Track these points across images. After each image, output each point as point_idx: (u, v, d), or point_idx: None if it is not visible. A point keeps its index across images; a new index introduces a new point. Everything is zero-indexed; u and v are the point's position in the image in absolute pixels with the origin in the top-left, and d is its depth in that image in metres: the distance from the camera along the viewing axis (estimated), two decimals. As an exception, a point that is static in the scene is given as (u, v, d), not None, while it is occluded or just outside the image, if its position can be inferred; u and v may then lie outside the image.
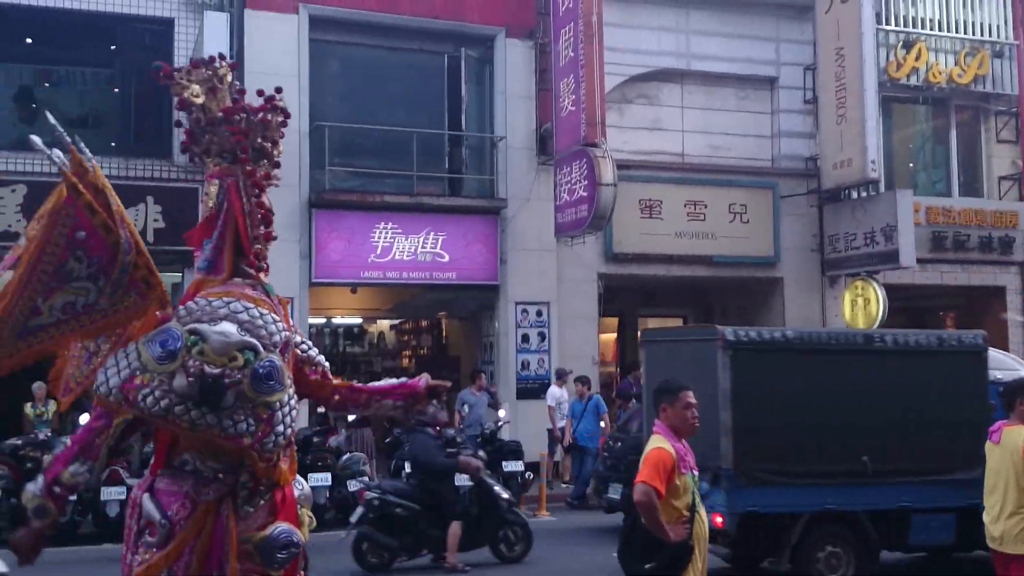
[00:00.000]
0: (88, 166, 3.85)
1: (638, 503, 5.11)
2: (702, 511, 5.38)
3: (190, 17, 15.68)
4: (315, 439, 13.29)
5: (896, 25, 19.15)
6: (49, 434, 12.88)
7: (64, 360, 4.37)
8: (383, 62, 17.12)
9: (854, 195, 18.09)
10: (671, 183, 18.07)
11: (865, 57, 17.06)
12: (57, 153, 3.85)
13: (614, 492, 12.25)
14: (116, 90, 16.23)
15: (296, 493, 4.48)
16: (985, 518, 6.64)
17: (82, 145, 3.92)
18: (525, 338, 17.01)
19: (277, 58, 15.19)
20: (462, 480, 10.75)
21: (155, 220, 14.77)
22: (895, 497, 9.31)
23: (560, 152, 16.38)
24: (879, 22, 18.40)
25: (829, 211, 18.62)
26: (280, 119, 4.60)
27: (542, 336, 17.08)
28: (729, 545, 9.36)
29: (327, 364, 4.84)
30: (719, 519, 8.99)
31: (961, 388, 9.51)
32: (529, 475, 14.29)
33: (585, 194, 15.48)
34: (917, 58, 19.04)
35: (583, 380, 15.49)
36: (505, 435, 14.96)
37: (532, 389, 16.81)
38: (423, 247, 16.42)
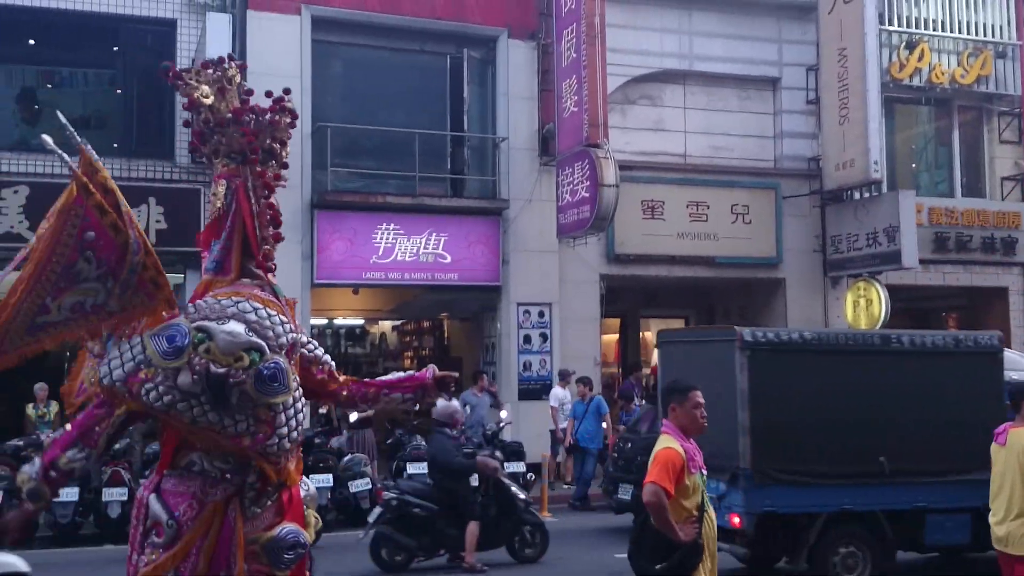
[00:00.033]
0: (98, 166, 3.86)
1: (648, 503, 5.11)
2: (711, 511, 5.40)
3: (192, 18, 15.69)
4: (316, 440, 13.29)
5: (899, 25, 19.14)
6: (51, 435, 12.87)
7: (77, 373, 4.38)
8: (385, 63, 17.11)
9: (856, 196, 18.07)
10: (673, 184, 18.06)
11: (868, 58, 17.04)
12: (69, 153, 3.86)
13: (624, 493, 12.28)
14: (118, 91, 16.23)
15: (302, 494, 4.48)
16: (991, 520, 6.65)
17: (89, 147, 3.92)
18: (527, 339, 17.00)
19: (279, 59, 15.19)
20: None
21: (157, 221, 14.77)
22: (911, 497, 9.36)
23: (562, 153, 16.38)
24: (882, 22, 18.38)
25: (831, 212, 18.60)
26: (288, 120, 4.61)
27: (544, 337, 17.07)
28: (747, 545, 9.39)
29: (333, 363, 4.84)
30: (736, 519, 9.07)
31: (977, 389, 9.51)
32: (531, 476, 14.29)
33: (587, 195, 15.47)
34: (920, 59, 19.03)
35: (585, 381, 15.48)
36: (507, 436, 14.96)
37: (534, 390, 16.81)
38: (425, 248, 16.42)
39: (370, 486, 13.06)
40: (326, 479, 12.54)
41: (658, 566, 5.16)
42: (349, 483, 12.77)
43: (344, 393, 4.89)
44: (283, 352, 4.12)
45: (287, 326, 4.23)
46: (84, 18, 15.43)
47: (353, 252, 16.09)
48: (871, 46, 17.15)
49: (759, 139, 19.11)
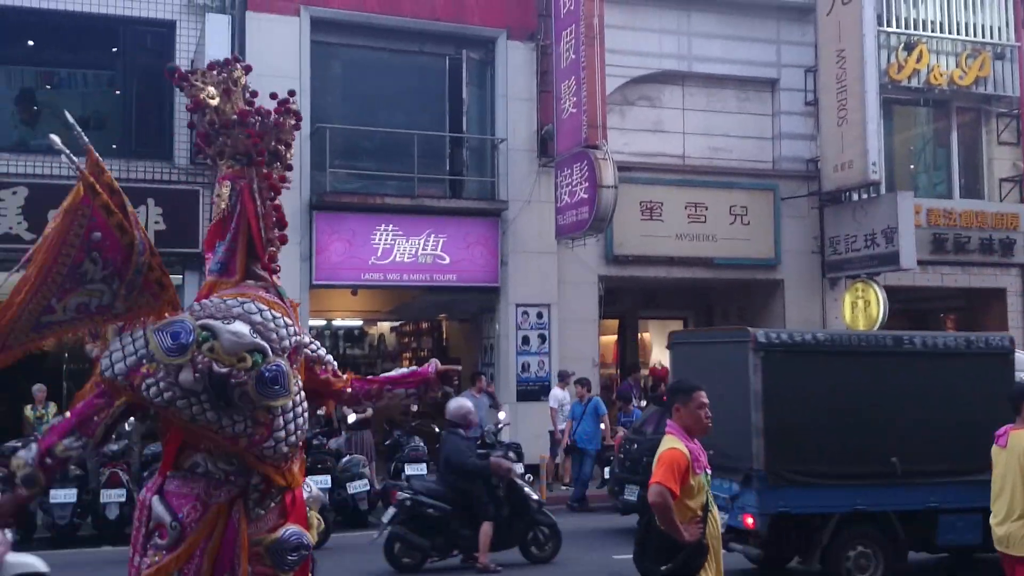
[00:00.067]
0: (103, 166, 3.87)
1: (653, 504, 5.12)
2: (715, 511, 5.40)
3: (192, 19, 15.69)
4: (315, 442, 13.30)
5: (897, 27, 19.15)
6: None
7: (92, 384, 4.38)
8: (384, 64, 17.12)
9: (855, 197, 18.09)
10: (672, 185, 18.07)
11: (866, 59, 17.06)
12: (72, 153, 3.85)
13: (630, 494, 12.35)
14: (117, 92, 16.23)
15: (305, 495, 4.48)
16: (992, 521, 6.68)
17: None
18: (525, 340, 17.01)
19: (278, 60, 15.19)
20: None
21: (156, 222, 14.77)
22: (923, 498, 9.42)
23: (561, 154, 16.39)
24: (880, 24, 18.40)
25: (830, 213, 18.62)
26: (293, 122, 4.60)
27: (542, 338, 17.08)
28: (760, 546, 9.46)
29: (335, 363, 4.85)
30: (750, 520, 9.15)
31: (988, 390, 9.50)
32: (529, 477, 14.28)
33: (586, 196, 15.48)
34: (918, 60, 19.05)
35: (583, 382, 15.48)
36: (505, 437, 14.96)
37: (532, 391, 16.83)
38: (424, 249, 16.42)
39: (368, 487, 13.07)
40: (324, 480, 12.54)
41: (663, 567, 5.16)
42: (347, 484, 12.78)
43: (348, 391, 4.88)
44: (285, 355, 4.11)
45: (291, 328, 4.23)
46: (83, 19, 15.44)
47: (352, 253, 16.09)
48: (869, 47, 17.16)
49: (758, 140, 19.13)
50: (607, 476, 14.93)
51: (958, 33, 19.58)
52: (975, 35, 19.72)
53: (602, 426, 15.30)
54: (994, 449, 6.72)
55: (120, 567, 4.31)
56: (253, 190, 4.44)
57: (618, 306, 19.89)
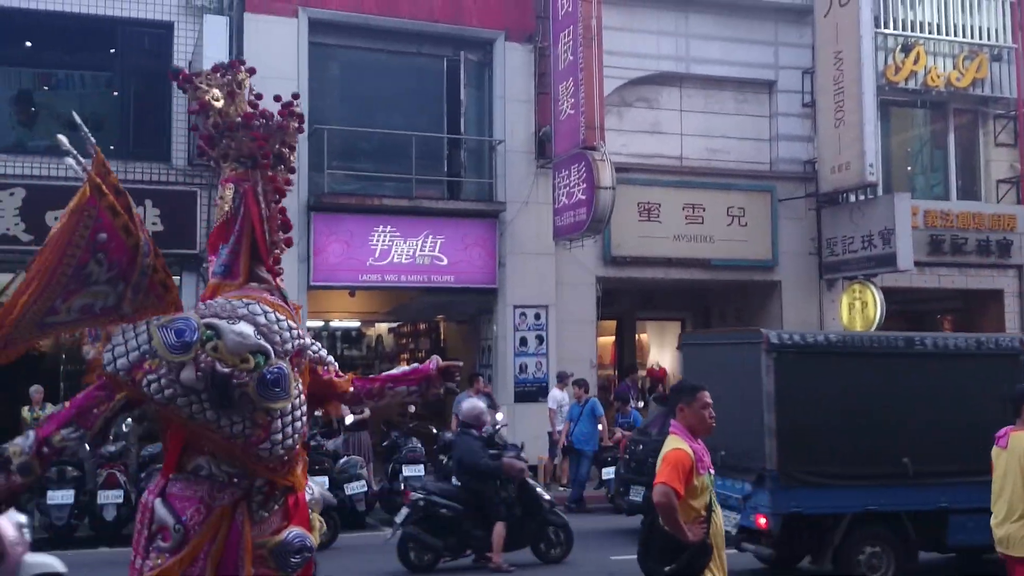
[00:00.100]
0: (110, 167, 3.87)
1: (658, 504, 5.13)
2: (719, 511, 5.41)
3: (189, 21, 15.69)
4: (313, 443, 13.29)
5: (895, 29, 19.18)
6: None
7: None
8: (382, 65, 17.13)
9: (852, 198, 18.11)
10: (669, 186, 18.08)
11: (863, 61, 17.08)
12: (78, 156, 3.86)
13: (635, 494, 12.40)
14: (115, 93, 16.23)
15: (307, 497, 4.49)
16: (992, 522, 6.71)
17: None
18: (523, 341, 17.02)
19: (276, 61, 15.17)
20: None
21: (153, 223, 14.77)
22: (934, 498, 9.47)
23: (559, 155, 16.40)
24: (878, 26, 18.42)
25: (827, 214, 18.63)
26: (296, 125, 4.61)
27: (540, 339, 17.08)
28: (772, 546, 9.51)
29: (336, 363, 4.86)
30: (763, 520, 9.22)
31: (998, 390, 9.59)
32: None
33: (584, 197, 15.49)
34: (915, 62, 19.07)
35: (580, 383, 15.50)
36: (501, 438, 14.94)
37: (530, 392, 16.83)
38: (422, 250, 16.43)
39: (366, 489, 13.07)
40: (322, 482, 12.52)
41: (667, 567, 5.17)
42: (345, 485, 12.77)
43: (350, 391, 4.90)
44: (288, 358, 4.11)
45: (295, 332, 4.22)
46: (81, 20, 15.44)
47: (350, 254, 16.09)
48: (867, 49, 17.18)
49: (755, 142, 19.14)
50: (604, 477, 14.96)
51: (955, 35, 19.61)
52: (972, 37, 19.74)
53: (599, 427, 15.30)
54: (994, 450, 6.74)
55: (117, 568, 4.30)
56: (257, 193, 4.44)
57: (616, 307, 19.91)
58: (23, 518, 7.77)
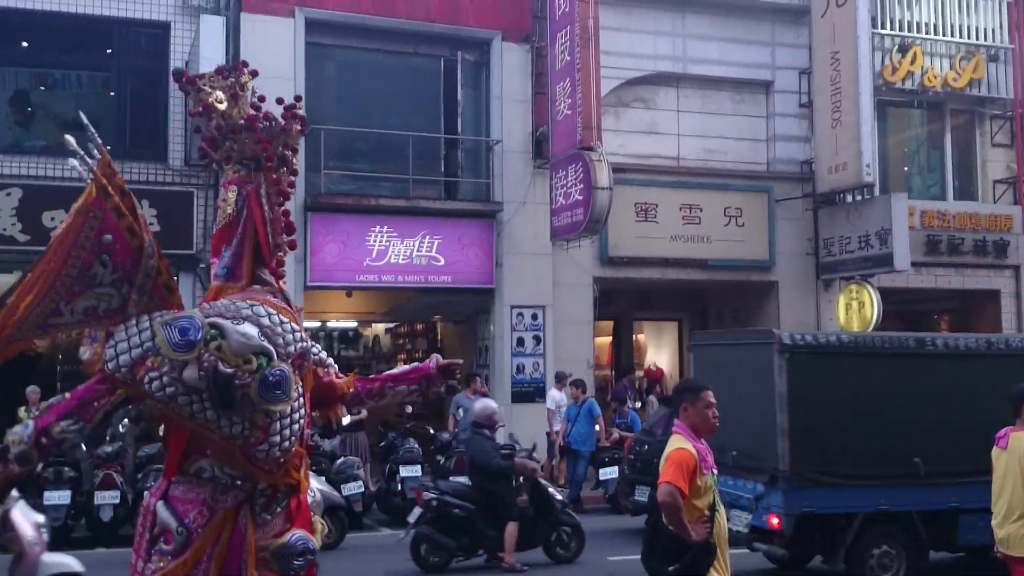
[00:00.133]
0: (116, 168, 3.86)
1: (663, 503, 5.13)
2: (722, 510, 5.42)
3: (186, 21, 15.67)
4: (310, 444, 13.26)
5: (892, 29, 19.19)
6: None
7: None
8: (379, 65, 17.12)
9: (849, 199, 18.12)
10: (667, 187, 18.08)
11: (860, 61, 17.08)
12: (80, 156, 3.85)
13: (641, 495, 12.46)
14: (112, 94, 16.22)
15: (309, 500, 4.48)
16: (993, 522, 6.74)
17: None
18: (520, 342, 17.01)
19: (273, 61, 15.14)
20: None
21: (150, 224, 14.55)
22: (945, 498, 9.52)
23: (556, 156, 16.39)
24: (875, 26, 18.43)
25: (824, 215, 18.64)
26: (299, 127, 4.60)
27: (537, 340, 17.07)
28: (785, 546, 9.54)
29: (335, 365, 4.86)
30: (775, 520, 9.28)
31: (1008, 391, 9.67)
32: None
33: (581, 197, 15.48)
34: (912, 62, 19.07)
35: (577, 384, 15.50)
36: (499, 439, 14.91)
37: (527, 393, 16.82)
38: (419, 250, 16.42)
39: (363, 489, 13.06)
40: (319, 482, 12.53)
41: (671, 567, 5.18)
42: (342, 486, 12.76)
43: (350, 392, 4.89)
44: (290, 360, 4.10)
45: (298, 334, 4.21)
46: (78, 20, 15.42)
47: (346, 255, 16.08)
48: (864, 49, 17.19)
49: (752, 142, 19.15)
50: (602, 478, 14.96)
51: (952, 35, 19.62)
52: (969, 37, 19.76)
53: (597, 428, 15.30)
54: (994, 451, 6.78)
55: (115, 569, 4.30)
56: (260, 195, 4.43)
57: (613, 307, 19.91)
58: (41, 518, 7.81)
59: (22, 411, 13.88)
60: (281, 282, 4.50)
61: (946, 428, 9.46)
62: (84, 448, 12.67)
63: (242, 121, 4.42)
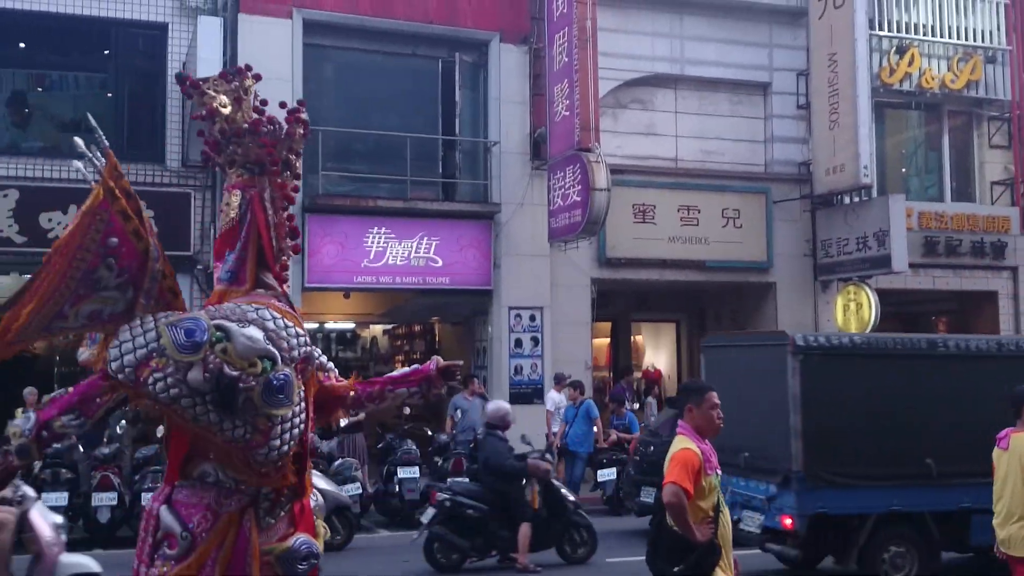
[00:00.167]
0: (122, 170, 3.86)
1: (668, 503, 5.14)
2: (726, 511, 5.43)
3: (184, 22, 15.66)
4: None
5: (889, 31, 19.19)
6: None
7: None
8: (377, 66, 17.11)
9: (847, 200, 18.12)
10: (664, 188, 18.07)
11: (858, 62, 17.08)
12: (91, 156, 3.84)
13: (647, 496, 12.50)
14: (109, 95, 16.21)
15: (312, 504, 4.47)
16: (994, 522, 6.77)
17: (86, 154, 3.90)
18: (518, 343, 17.00)
19: (271, 63, 15.08)
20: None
21: (148, 225, 14.71)
22: (957, 498, 9.56)
23: (554, 157, 16.38)
24: (872, 27, 18.43)
25: (822, 216, 18.64)
26: (302, 131, 4.60)
27: (535, 341, 17.07)
28: (798, 546, 9.59)
29: (335, 369, 4.86)
30: (788, 520, 9.36)
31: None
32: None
33: (579, 199, 15.47)
34: (910, 63, 19.08)
35: (575, 385, 15.51)
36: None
37: (525, 394, 16.81)
38: (416, 252, 16.40)
39: (361, 491, 13.05)
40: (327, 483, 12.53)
41: (676, 568, 5.19)
42: (340, 488, 12.75)
43: (351, 395, 4.89)
44: (294, 365, 4.09)
45: (302, 339, 4.21)
46: (75, 21, 15.41)
47: (344, 256, 16.07)
48: (861, 51, 17.19)
49: (750, 143, 19.15)
50: (600, 479, 14.96)
51: (949, 37, 19.63)
52: (966, 39, 19.77)
53: (595, 429, 15.31)
54: (995, 451, 6.81)
55: (112, 571, 4.29)
56: (263, 199, 4.43)
57: (611, 309, 19.90)
58: (60, 519, 7.86)
59: (19, 412, 13.87)
60: (284, 286, 4.50)
61: (957, 429, 9.50)
62: (81, 449, 12.67)
63: (246, 125, 4.42)
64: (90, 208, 3.76)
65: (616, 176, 16.12)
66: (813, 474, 9.30)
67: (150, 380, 3.80)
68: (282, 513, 4.24)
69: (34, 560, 7.37)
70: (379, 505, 14.01)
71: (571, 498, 11.01)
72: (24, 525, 7.25)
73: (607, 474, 14.78)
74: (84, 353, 4.23)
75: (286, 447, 4.07)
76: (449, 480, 12.14)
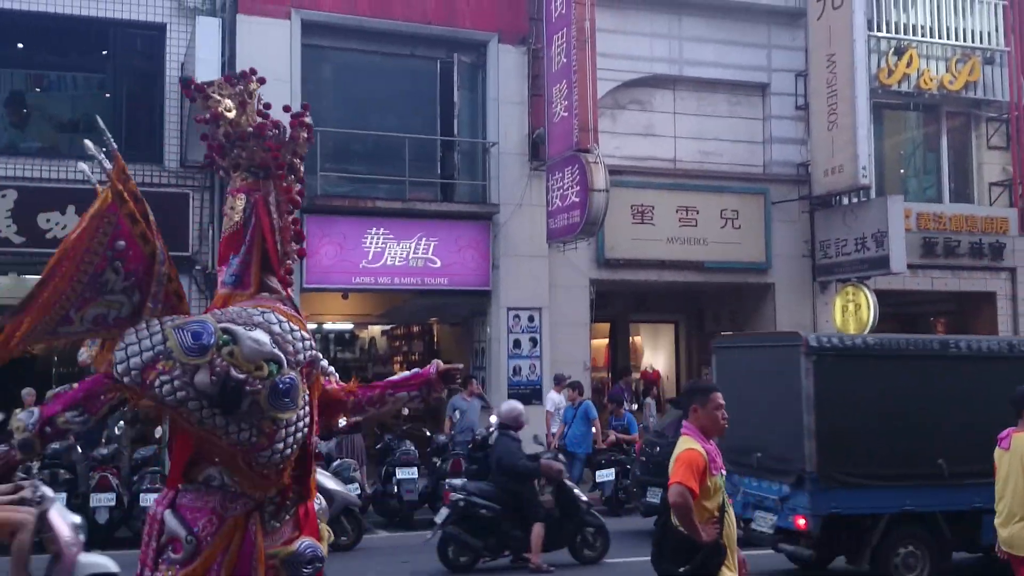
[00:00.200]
0: (129, 173, 3.85)
1: (674, 504, 5.15)
2: (731, 512, 5.43)
3: (182, 22, 15.65)
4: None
5: (888, 32, 19.20)
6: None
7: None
8: (375, 67, 17.11)
9: (845, 201, 18.12)
10: (663, 189, 18.08)
11: (856, 63, 17.09)
12: (89, 163, 3.84)
13: (653, 496, 12.53)
14: (107, 95, 16.19)
15: (316, 508, 4.47)
16: (996, 522, 6.79)
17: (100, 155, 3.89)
18: (517, 344, 17.00)
19: (269, 63, 15.01)
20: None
21: (146, 225, 14.69)
22: (969, 498, 9.56)
23: (552, 158, 16.38)
24: (871, 28, 18.43)
25: (820, 217, 18.64)
26: (306, 135, 4.60)
27: (534, 342, 17.06)
28: (812, 546, 9.63)
29: (336, 373, 4.85)
30: (802, 521, 9.41)
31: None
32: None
33: (577, 200, 15.47)
34: (908, 64, 19.09)
35: (574, 386, 15.51)
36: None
37: (524, 395, 16.72)
38: (415, 252, 16.40)
39: (359, 492, 13.03)
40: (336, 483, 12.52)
41: (681, 568, 5.19)
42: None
43: (352, 399, 4.88)
44: (299, 368, 4.09)
45: (307, 343, 4.21)
46: (73, 22, 15.40)
47: (343, 256, 16.07)
48: (860, 52, 17.19)
49: (748, 144, 19.15)
50: (598, 480, 14.95)
51: (948, 38, 19.64)
52: (965, 40, 19.78)
53: (593, 430, 15.30)
54: (997, 452, 6.84)
55: (109, 571, 4.28)
56: (268, 203, 4.43)
57: (609, 310, 19.89)
58: (78, 519, 7.88)
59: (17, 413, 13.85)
60: (289, 290, 4.50)
61: (969, 430, 9.51)
62: (80, 450, 12.66)
63: (250, 129, 4.41)
64: (98, 211, 3.75)
65: (615, 177, 16.11)
66: (827, 475, 9.36)
67: (157, 383, 3.79)
68: (287, 517, 4.23)
69: (53, 560, 7.42)
70: (377, 506, 14.00)
71: (584, 498, 11.06)
72: (43, 525, 7.30)
73: (606, 475, 14.78)
74: (84, 353, 4.22)
75: (289, 450, 4.06)
76: (463, 480, 12.14)
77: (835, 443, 9.40)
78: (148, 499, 11.71)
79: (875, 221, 17.19)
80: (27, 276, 14.79)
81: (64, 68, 16.38)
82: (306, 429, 4.19)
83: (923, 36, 19.46)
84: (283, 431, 4.00)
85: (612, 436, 15.65)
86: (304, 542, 4.21)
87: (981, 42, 19.90)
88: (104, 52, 15.97)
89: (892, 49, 19.09)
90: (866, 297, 17.38)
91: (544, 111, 16.64)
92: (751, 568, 5.70)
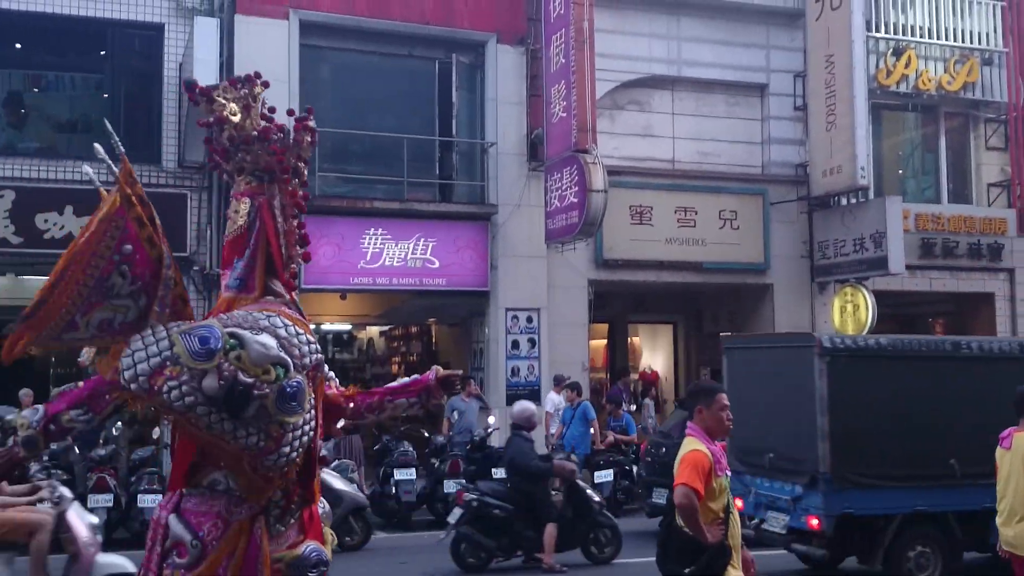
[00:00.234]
0: (136, 176, 3.84)
1: (679, 505, 5.14)
2: (736, 512, 5.43)
3: (180, 23, 15.64)
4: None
5: (886, 32, 19.21)
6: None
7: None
8: (374, 67, 17.10)
9: (844, 202, 18.13)
10: (661, 189, 18.07)
11: (855, 64, 17.10)
12: (100, 166, 3.83)
13: (658, 497, 12.62)
14: (105, 96, 16.18)
15: (320, 511, 4.46)
16: (998, 522, 6.81)
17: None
18: (515, 344, 16.99)
19: (268, 63, 15.00)
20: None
21: (145, 226, 14.68)
22: (980, 499, 9.54)
23: (551, 158, 16.37)
24: (869, 29, 18.43)
25: (819, 218, 18.65)
26: (309, 139, 4.59)
27: (532, 342, 17.05)
28: (825, 547, 9.68)
29: (336, 379, 4.85)
30: (815, 521, 9.46)
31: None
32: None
33: (576, 200, 15.47)
34: (907, 65, 19.10)
35: (573, 386, 15.49)
36: (494, 442, 14.92)
37: (522, 396, 16.74)
38: (413, 253, 16.39)
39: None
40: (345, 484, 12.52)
41: (687, 570, 5.19)
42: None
43: (351, 405, 4.87)
44: (305, 372, 4.08)
45: (313, 346, 4.19)
46: (71, 22, 15.38)
47: (341, 257, 16.05)
48: (858, 53, 17.20)
49: (747, 145, 19.15)
50: (596, 481, 14.93)
51: (946, 39, 19.65)
52: (963, 41, 19.79)
53: (591, 431, 15.29)
54: (998, 451, 6.85)
55: (106, 572, 4.27)
56: (272, 206, 4.42)
57: (608, 310, 19.89)
58: (96, 519, 7.90)
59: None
60: (293, 293, 4.49)
61: (980, 430, 9.51)
62: (77, 451, 12.64)
63: (255, 133, 4.40)
64: (107, 215, 3.73)
65: (613, 177, 16.10)
66: (840, 475, 9.40)
67: (164, 388, 3.76)
68: (292, 520, 4.22)
69: (71, 560, 7.45)
70: (376, 507, 13.97)
71: (596, 499, 11.10)
72: (62, 526, 7.33)
73: (604, 476, 14.75)
74: (84, 354, 4.20)
75: (295, 454, 4.05)
76: (477, 481, 12.15)
77: (848, 444, 9.44)
78: (146, 500, 11.71)
79: (873, 222, 17.19)
80: (25, 277, 14.78)
81: (62, 68, 16.37)
82: (312, 432, 4.18)
83: (921, 37, 19.47)
84: (290, 435, 3.98)
85: (610, 437, 15.65)
86: (309, 546, 4.20)
87: (979, 43, 19.92)
88: (102, 52, 15.96)
89: (891, 50, 19.11)
90: (864, 298, 17.38)
91: (542, 111, 16.64)
92: (759, 568, 5.69)
